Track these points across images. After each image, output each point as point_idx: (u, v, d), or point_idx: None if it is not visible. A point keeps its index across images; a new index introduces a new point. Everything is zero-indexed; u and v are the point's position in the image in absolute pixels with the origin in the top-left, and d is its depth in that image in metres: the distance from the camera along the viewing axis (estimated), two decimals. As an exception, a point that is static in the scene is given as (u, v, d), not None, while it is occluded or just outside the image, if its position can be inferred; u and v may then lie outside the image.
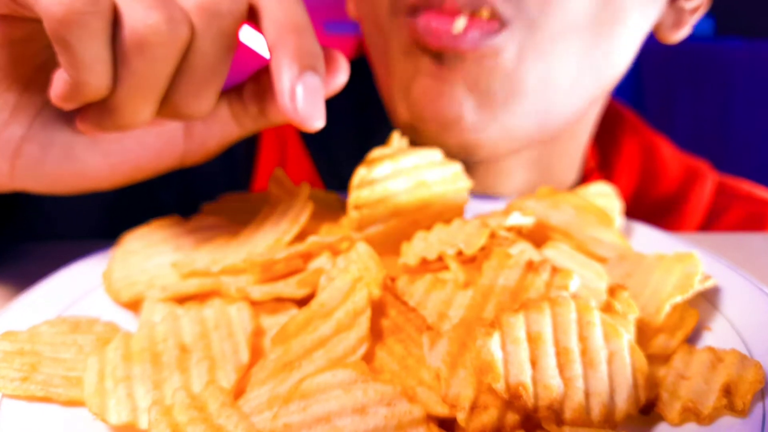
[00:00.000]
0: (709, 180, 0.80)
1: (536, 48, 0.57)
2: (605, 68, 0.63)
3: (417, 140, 0.62)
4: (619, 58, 0.63)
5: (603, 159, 0.82)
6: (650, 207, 0.79)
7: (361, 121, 0.86)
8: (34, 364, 0.38)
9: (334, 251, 0.44)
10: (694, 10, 0.68)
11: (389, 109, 0.67)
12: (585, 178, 0.80)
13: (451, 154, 0.60)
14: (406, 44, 0.60)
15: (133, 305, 0.47)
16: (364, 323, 0.35)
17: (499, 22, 0.55)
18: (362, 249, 0.43)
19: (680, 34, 0.68)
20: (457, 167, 0.48)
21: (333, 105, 0.91)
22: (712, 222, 0.79)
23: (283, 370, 0.34)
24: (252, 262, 0.42)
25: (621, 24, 0.60)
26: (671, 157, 0.82)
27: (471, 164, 0.67)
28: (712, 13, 2.21)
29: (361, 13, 0.69)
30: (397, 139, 0.51)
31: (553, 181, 0.76)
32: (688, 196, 0.78)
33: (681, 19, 0.67)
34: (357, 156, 0.76)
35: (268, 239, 0.46)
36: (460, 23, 0.55)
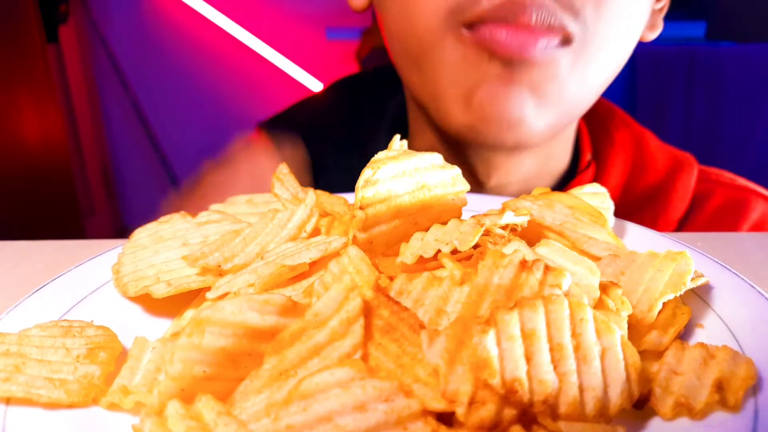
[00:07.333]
0: (694, 168, 0.84)
1: (584, 58, 0.64)
2: (617, 68, 0.70)
3: (472, 140, 0.69)
4: (626, 59, 0.71)
5: (596, 152, 0.86)
6: (640, 195, 0.83)
7: (352, 134, 0.90)
8: (18, 366, 0.39)
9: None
10: (661, 9, 0.76)
11: (438, 114, 0.72)
12: (581, 171, 0.83)
13: (503, 148, 0.69)
14: (464, 53, 0.64)
15: (141, 299, 0.48)
16: (358, 331, 0.35)
17: (564, 37, 0.62)
18: (353, 252, 0.43)
19: (656, 34, 0.76)
20: (456, 171, 0.49)
21: (325, 119, 0.94)
22: (696, 208, 0.82)
23: (279, 379, 0.35)
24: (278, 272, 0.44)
25: (637, 32, 0.69)
26: (658, 148, 0.86)
27: (488, 155, 0.74)
28: (704, 17, 2.23)
29: (395, 27, 0.71)
30: (397, 142, 0.51)
31: (551, 166, 0.82)
32: (675, 184, 0.82)
33: (655, 21, 0.75)
34: (349, 168, 0.79)
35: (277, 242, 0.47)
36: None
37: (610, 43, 0.65)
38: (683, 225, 0.81)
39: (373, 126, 0.89)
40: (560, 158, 0.82)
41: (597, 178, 0.83)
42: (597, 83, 0.69)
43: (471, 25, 0.62)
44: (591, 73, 0.66)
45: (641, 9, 0.67)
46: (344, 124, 0.92)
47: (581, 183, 0.81)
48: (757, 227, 0.81)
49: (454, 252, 0.42)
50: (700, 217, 0.82)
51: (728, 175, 0.86)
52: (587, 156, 0.84)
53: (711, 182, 0.84)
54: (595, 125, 0.87)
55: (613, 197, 0.58)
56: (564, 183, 0.83)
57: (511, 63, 0.62)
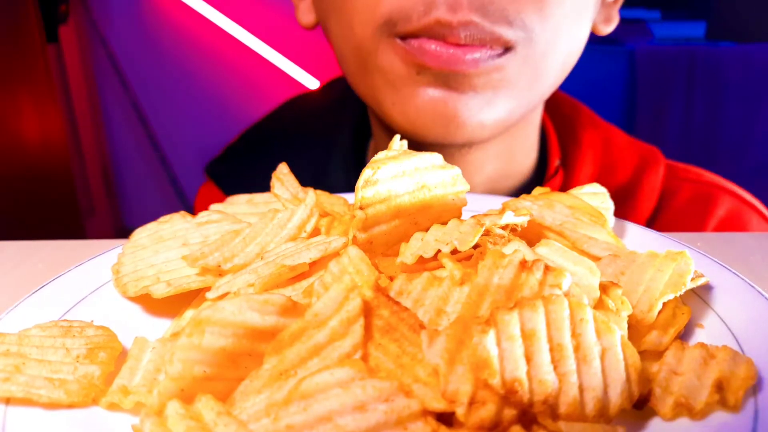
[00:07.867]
0: (660, 165, 0.83)
1: (534, 57, 0.63)
2: (571, 62, 0.70)
3: (419, 141, 0.67)
4: (578, 53, 0.71)
5: (564, 156, 0.84)
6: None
7: (315, 154, 0.89)
8: (18, 366, 0.39)
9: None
10: (615, 2, 0.75)
11: (383, 117, 0.72)
12: (549, 178, 0.82)
13: (452, 146, 0.68)
14: (396, 63, 0.64)
15: (140, 299, 0.48)
16: (357, 331, 0.35)
17: (504, 47, 0.61)
18: (353, 252, 0.43)
19: (612, 27, 0.75)
20: (456, 171, 0.48)
21: (292, 140, 0.93)
22: (664, 205, 0.81)
23: (279, 379, 0.35)
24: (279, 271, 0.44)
25: (586, 29, 0.69)
26: (625, 145, 0.85)
27: (443, 153, 0.72)
28: (704, 17, 2.23)
29: (336, 37, 0.71)
30: (397, 142, 0.51)
31: (515, 168, 0.81)
32: (642, 182, 0.81)
33: (609, 13, 0.75)
34: (317, 166, 0.77)
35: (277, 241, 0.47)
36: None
37: (561, 40, 0.64)
38: (652, 223, 0.80)
39: (335, 123, 0.89)
40: (524, 159, 0.81)
41: (565, 184, 0.82)
42: (550, 78, 0.68)
43: (404, 37, 0.63)
44: (543, 70, 0.66)
45: (587, 3, 0.67)
46: (307, 144, 0.91)
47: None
48: (723, 223, 0.79)
49: (454, 252, 0.42)
50: (667, 214, 0.81)
51: (695, 171, 0.85)
52: (555, 162, 0.83)
53: (678, 179, 0.83)
54: (561, 127, 0.86)
55: None
56: (531, 187, 0.82)
57: (443, 74, 0.62)
